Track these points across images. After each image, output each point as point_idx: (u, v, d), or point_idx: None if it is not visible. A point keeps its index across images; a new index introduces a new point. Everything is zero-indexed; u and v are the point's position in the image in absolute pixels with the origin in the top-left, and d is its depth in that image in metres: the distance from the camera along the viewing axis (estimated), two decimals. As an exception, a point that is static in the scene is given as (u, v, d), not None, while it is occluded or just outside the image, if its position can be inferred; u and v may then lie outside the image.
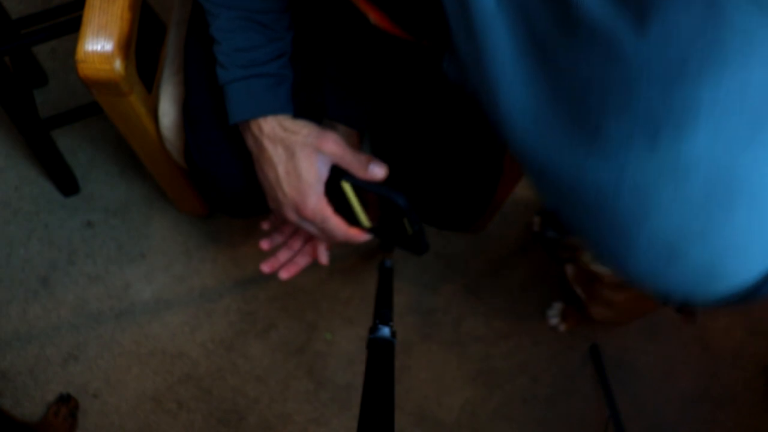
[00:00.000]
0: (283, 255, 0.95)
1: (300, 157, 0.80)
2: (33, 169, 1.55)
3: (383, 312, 0.95)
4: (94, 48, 0.93)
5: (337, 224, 0.83)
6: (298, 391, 1.45)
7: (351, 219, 0.85)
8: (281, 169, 0.82)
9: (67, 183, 1.51)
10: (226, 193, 0.97)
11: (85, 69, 0.93)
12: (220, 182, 0.95)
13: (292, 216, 0.84)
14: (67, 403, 1.38)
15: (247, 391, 1.45)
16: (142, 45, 1.06)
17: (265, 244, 0.95)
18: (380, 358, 0.86)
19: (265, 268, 0.94)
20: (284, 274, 0.93)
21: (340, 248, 1.55)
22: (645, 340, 1.55)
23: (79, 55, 0.93)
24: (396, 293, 1.50)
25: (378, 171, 0.81)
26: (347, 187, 0.83)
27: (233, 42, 0.81)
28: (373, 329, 0.90)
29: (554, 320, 1.53)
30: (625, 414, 1.42)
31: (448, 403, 1.47)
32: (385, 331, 0.89)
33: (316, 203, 0.81)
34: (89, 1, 0.95)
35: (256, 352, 1.47)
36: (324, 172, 0.82)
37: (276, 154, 0.82)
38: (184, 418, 1.43)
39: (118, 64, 0.93)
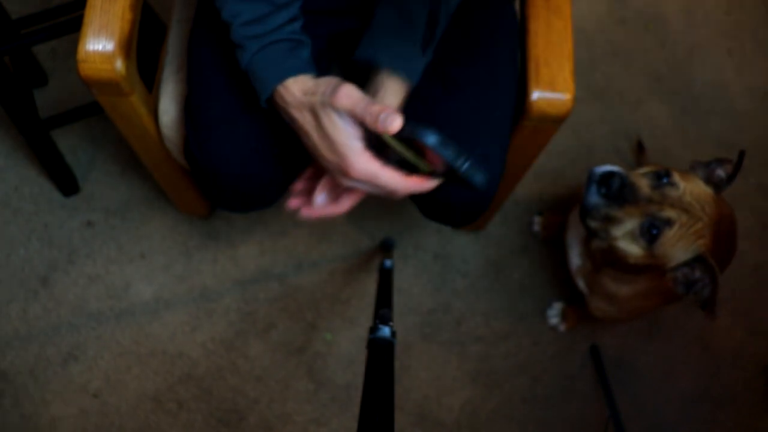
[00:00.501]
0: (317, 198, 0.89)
1: (323, 119, 0.77)
2: (33, 169, 1.55)
3: (383, 312, 0.95)
4: (95, 48, 0.93)
5: (391, 177, 0.77)
6: (298, 391, 1.45)
7: (409, 167, 0.78)
8: (315, 136, 0.79)
9: (67, 183, 1.51)
10: (226, 188, 0.97)
11: (86, 69, 0.93)
12: (221, 177, 0.95)
13: (344, 181, 0.80)
14: None
15: (247, 391, 1.45)
16: (143, 45, 1.06)
17: (294, 203, 0.90)
18: (380, 358, 0.86)
19: (293, 203, 0.90)
20: (305, 212, 0.88)
21: (340, 248, 1.55)
22: (645, 340, 1.55)
23: (80, 54, 0.93)
24: (396, 293, 1.50)
25: (390, 122, 0.72)
26: (386, 136, 0.75)
27: (242, 17, 0.80)
28: (373, 329, 0.90)
29: (554, 320, 1.53)
30: (625, 414, 1.43)
31: (448, 403, 1.47)
32: (385, 331, 0.89)
33: (359, 161, 0.76)
34: (90, 1, 0.95)
35: (256, 352, 1.47)
36: (356, 127, 0.77)
37: (305, 121, 0.79)
38: (184, 418, 1.43)
39: (119, 64, 0.94)
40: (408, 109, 0.95)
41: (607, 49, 1.77)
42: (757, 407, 1.53)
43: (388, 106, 0.74)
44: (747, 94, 1.77)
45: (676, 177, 1.02)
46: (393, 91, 0.85)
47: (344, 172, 0.78)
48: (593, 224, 1.04)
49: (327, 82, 0.78)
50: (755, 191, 1.68)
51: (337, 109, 0.76)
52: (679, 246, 1.01)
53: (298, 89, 0.80)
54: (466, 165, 0.73)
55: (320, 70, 0.84)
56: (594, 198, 1.02)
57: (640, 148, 1.66)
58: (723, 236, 1.10)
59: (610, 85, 1.74)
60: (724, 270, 1.25)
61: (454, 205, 1.00)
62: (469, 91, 0.91)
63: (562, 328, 1.53)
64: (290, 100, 0.80)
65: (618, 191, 0.99)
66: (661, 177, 1.02)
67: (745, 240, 1.63)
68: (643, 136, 1.68)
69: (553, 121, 1.03)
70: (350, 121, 0.77)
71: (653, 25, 1.81)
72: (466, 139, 0.95)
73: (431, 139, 0.71)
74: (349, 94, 0.75)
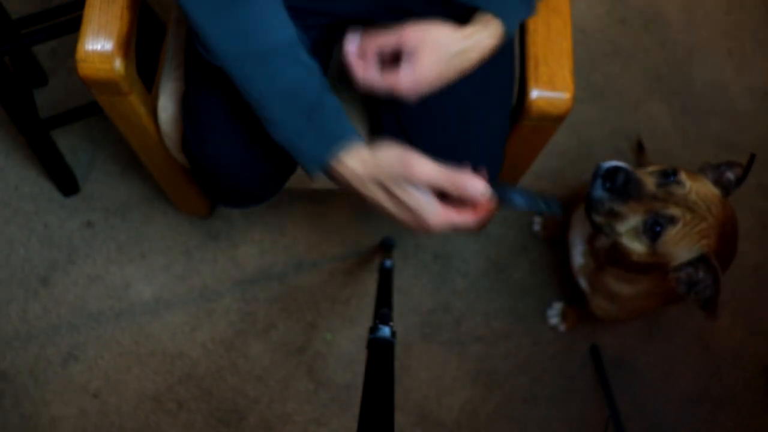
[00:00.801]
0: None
1: (398, 192, 0.77)
2: (33, 168, 1.56)
3: (383, 312, 0.95)
4: (95, 47, 0.93)
5: (465, 219, 0.78)
6: (298, 391, 1.45)
7: None
8: (388, 206, 0.79)
9: (67, 183, 1.51)
10: (224, 184, 0.98)
11: (86, 68, 0.93)
12: (219, 172, 0.96)
13: (422, 232, 0.82)
14: None
15: (247, 391, 1.45)
16: (142, 45, 1.07)
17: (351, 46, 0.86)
18: (380, 358, 0.86)
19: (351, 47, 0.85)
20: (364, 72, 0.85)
21: (340, 248, 1.55)
22: (645, 340, 1.55)
23: (80, 54, 0.93)
24: (396, 293, 1.50)
25: (477, 191, 0.75)
26: None
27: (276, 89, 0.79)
28: (373, 329, 0.90)
29: (554, 320, 1.53)
30: (625, 414, 1.42)
31: (448, 402, 1.47)
32: (385, 330, 0.89)
33: (437, 218, 0.77)
34: (89, 0, 0.95)
35: (256, 352, 1.47)
36: (428, 193, 0.77)
37: (374, 193, 0.79)
38: (184, 418, 1.43)
39: (118, 64, 0.94)
40: (403, 108, 0.95)
41: (606, 49, 1.77)
42: (757, 407, 1.53)
43: (468, 175, 0.75)
44: (747, 94, 1.77)
45: (683, 176, 1.02)
46: (490, 34, 0.85)
47: (424, 230, 0.79)
48: (598, 219, 1.04)
49: (387, 153, 0.77)
50: (755, 191, 1.68)
51: (413, 184, 0.76)
52: (682, 245, 1.01)
53: (356, 164, 0.78)
54: (544, 206, 0.78)
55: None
56: (598, 192, 1.02)
57: (640, 148, 1.66)
58: (728, 238, 1.10)
59: (609, 85, 1.74)
60: (724, 272, 1.25)
61: None
62: (464, 87, 0.91)
63: (562, 328, 1.53)
64: (350, 176, 0.79)
65: (622, 186, 0.99)
66: (668, 175, 1.02)
67: (746, 240, 1.63)
68: (643, 136, 1.68)
69: (553, 121, 1.03)
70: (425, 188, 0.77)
71: (653, 24, 1.81)
72: (464, 136, 0.96)
73: (519, 201, 0.76)
74: (423, 169, 0.75)
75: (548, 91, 0.99)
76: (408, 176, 0.75)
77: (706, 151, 1.69)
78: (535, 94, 0.99)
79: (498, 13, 0.86)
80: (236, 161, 0.94)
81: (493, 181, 0.76)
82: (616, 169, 1.00)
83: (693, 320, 1.57)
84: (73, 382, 1.43)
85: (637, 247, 1.03)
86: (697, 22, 1.83)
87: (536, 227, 1.58)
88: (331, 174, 0.81)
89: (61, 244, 1.51)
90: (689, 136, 1.71)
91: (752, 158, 1.07)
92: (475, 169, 0.78)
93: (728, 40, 1.82)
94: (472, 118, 0.95)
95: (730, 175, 1.08)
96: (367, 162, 0.78)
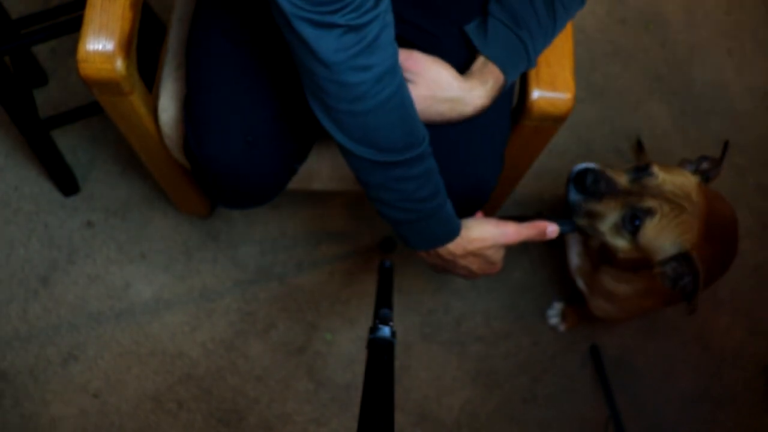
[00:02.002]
0: None
1: (489, 255, 0.95)
2: (33, 168, 1.55)
3: (383, 312, 0.95)
4: (95, 47, 0.93)
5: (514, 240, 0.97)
6: (298, 391, 1.45)
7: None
8: (474, 267, 0.96)
9: (67, 183, 1.51)
10: (227, 185, 0.98)
11: (86, 68, 0.93)
12: (221, 173, 0.95)
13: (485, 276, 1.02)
14: None
15: (247, 391, 1.45)
16: (143, 44, 1.06)
17: None
18: (380, 358, 0.86)
19: None
20: None
21: (340, 248, 1.55)
22: (645, 340, 1.55)
23: (80, 54, 0.93)
24: (396, 293, 1.50)
25: (553, 231, 0.97)
26: None
27: (410, 193, 0.85)
28: (373, 329, 0.90)
29: (554, 320, 1.53)
30: (625, 414, 1.43)
31: (448, 402, 1.47)
32: (385, 331, 0.89)
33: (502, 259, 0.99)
34: (90, 0, 0.95)
35: (256, 352, 1.47)
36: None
37: (468, 262, 0.95)
38: (184, 418, 1.43)
39: (119, 64, 0.93)
40: None
41: (607, 49, 1.77)
42: (757, 407, 1.53)
43: (542, 222, 0.97)
44: (747, 94, 1.77)
45: (656, 168, 1.02)
46: (486, 92, 0.92)
47: (494, 272, 1.00)
48: (580, 221, 1.05)
49: (485, 228, 0.93)
50: (754, 191, 1.68)
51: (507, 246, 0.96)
52: (663, 237, 1.01)
53: (455, 247, 0.92)
54: (568, 227, 1.04)
55: None
56: (572, 195, 1.03)
57: (639, 148, 1.66)
58: (723, 235, 1.10)
59: (610, 85, 1.74)
60: (725, 272, 1.25)
61: (451, 200, 1.00)
62: None
63: (562, 328, 1.53)
64: (450, 257, 0.94)
65: (593, 186, 1.00)
66: (641, 170, 1.03)
67: (745, 240, 1.63)
68: (643, 136, 1.68)
69: (554, 121, 1.03)
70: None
71: (653, 25, 1.81)
72: (464, 141, 0.96)
73: (567, 227, 1.03)
74: (520, 232, 0.95)
75: (549, 91, 0.99)
76: (505, 243, 0.94)
77: (706, 151, 1.67)
78: (536, 94, 0.99)
79: (501, 65, 0.91)
80: (238, 163, 0.94)
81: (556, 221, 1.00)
82: (585, 171, 1.01)
83: (693, 320, 1.57)
84: (73, 382, 1.43)
85: (620, 243, 1.04)
86: (697, 22, 1.83)
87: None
88: (429, 252, 0.94)
89: (61, 244, 1.51)
90: (689, 136, 1.71)
91: (726, 145, 1.10)
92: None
93: (728, 40, 1.82)
94: (473, 124, 0.96)
95: (706, 165, 1.10)
96: (459, 244, 0.92)
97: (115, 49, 0.93)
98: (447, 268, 0.98)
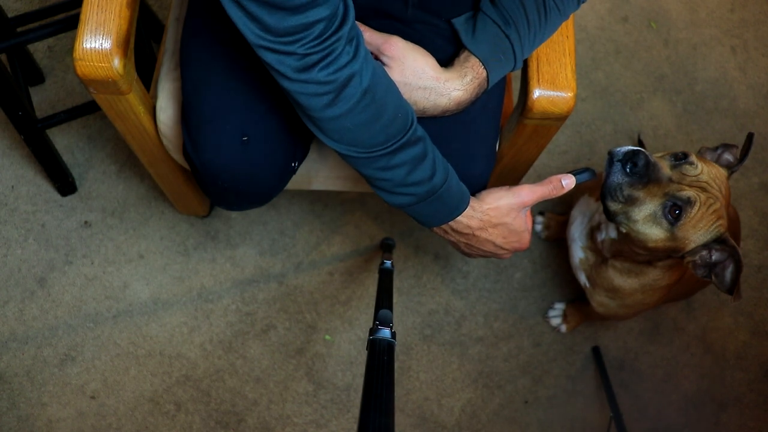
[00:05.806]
0: None
1: (509, 223, 0.93)
2: (30, 168, 1.54)
3: (383, 313, 0.94)
4: (93, 46, 0.92)
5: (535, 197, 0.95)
6: (298, 393, 1.44)
7: None
8: (499, 241, 0.95)
9: (64, 182, 1.50)
10: (225, 187, 0.97)
11: (83, 67, 0.92)
12: (219, 176, 0.95)
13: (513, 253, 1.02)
14: None
15: (246, 392, 1.44)
16: (140, 43, 1.05)
17: None
18: (380, 360, 0.85)
19: None
20: None
21: (340, 248, 1.54)
22: (647, 341, 1.54)
23: (77, 53, 0.92)
24: (396, 294, 1.49)
25: (569, 183, 0.95)
26: None
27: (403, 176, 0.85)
28: (373, 330, 0.89)
29: (556, 321, 1.52)
30: (628, 416, 1.42)
31: (448, 404, 1.46)
32: (385, 332, 0.88)
33: (530, 230, 0.99)
34: (86, -3, 0.94)
35: (255, 354, 1.46)
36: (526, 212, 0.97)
37: (489, 234, 0.93)
38: (182, 419, 1.42)
39: (116, 62, 0.92)
40: None
41: (609, 47, 1.76)
42: (761, 409, 1.52)
43: (557, 177, 0.95)
44: (750, 93, 1.76)
45: (694, 157, 1.02)
46: (464, 85, 0.90)
47: (523, 246, 0.99)
48: (614, 206, 1.03)
49: (493, 198, 0.92)
50: (758, 190, 1.67)
51: (524, 210, 0.95)
52: (699, 227, 1.01)
53: (469, 219, 0.91)
54: (587, 175, 0.99)
55: None
56: (618, 177, 1.01)
57: (640, 147, 1.65)
58: (731, 225, 1.10)
59: (612, 84, 1.73)
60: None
61: None
62: None
63: (564, 329, 1.52)
64: (468, 231, 0.93)
65: (643, 169, 0.99)
66: (679, 158, 1.02)
67: (749, 240, 1.62)
68: (646, 135, 1.67)
69: (555, 119, 1.02)
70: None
71: (656, 23, 1.80)
72: (456, 134, 0.96)
73: (586, 175, 0.98)
74: (527, 191, 0.93)
75: (550, 90, 0.98)
76: (520, 204, 0.92)
77: (709, 150, 1.68)
78: (537, 93, 0.98)
79: (484, 60, 0.90)
80: (234, 163, 0.93)
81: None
82: (636, 152, 0.99)
83: (695, 321, 1.56)
84: (70, 383, 1.42)
85: (655, 232, 1.02)
86: (700, 20, 1.82)
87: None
88: (444, 229, 0.93)
89: (58, 244, 1.50)
90: (692, 135, 1.70)
91: (750, 136, 1.08)
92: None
93: (732, 38, 1.81)
94: (464, 122, 0.97)
95: (729, 157, 1.10)
96: (473, 215, 0.91)
97: (112, 47, 0.92)
98: (472, 247, 0.97)
